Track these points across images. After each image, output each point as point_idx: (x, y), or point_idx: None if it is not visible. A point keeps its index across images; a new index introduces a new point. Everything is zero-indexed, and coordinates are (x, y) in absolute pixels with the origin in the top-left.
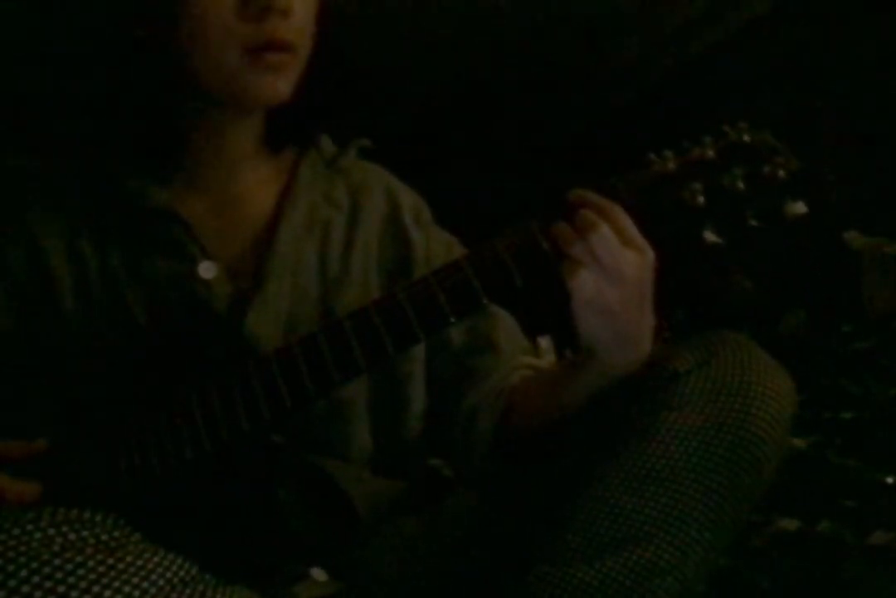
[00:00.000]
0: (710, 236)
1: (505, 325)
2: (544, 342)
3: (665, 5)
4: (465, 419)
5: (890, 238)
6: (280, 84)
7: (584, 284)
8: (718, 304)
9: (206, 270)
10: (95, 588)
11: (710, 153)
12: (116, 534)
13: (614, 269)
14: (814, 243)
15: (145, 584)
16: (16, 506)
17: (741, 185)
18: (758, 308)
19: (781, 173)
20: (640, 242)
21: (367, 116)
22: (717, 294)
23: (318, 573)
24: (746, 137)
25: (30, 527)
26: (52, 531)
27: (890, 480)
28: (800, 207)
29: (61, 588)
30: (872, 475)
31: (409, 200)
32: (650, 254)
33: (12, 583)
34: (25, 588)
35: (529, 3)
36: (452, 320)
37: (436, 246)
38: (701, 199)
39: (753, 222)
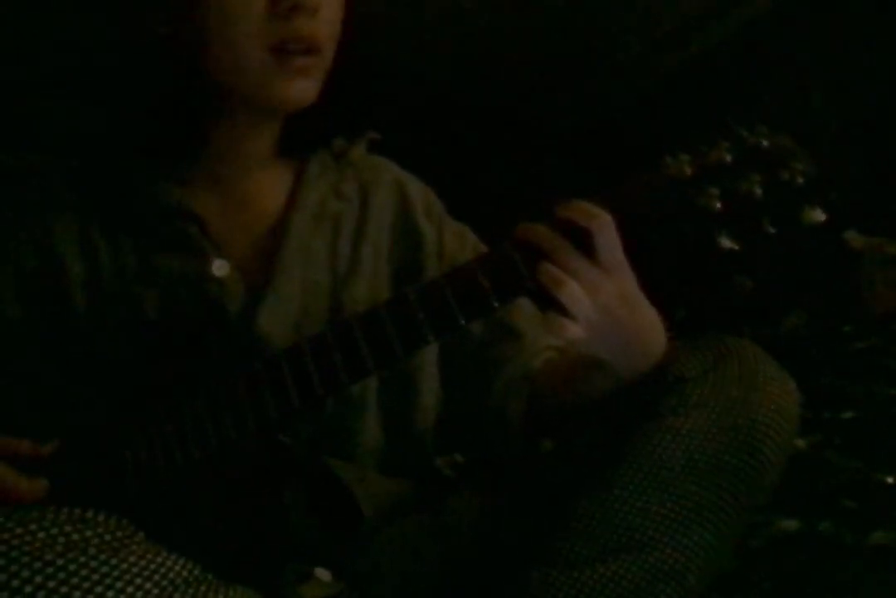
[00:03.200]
0: (725, 242)
1: (524, 309)
2: None
3: (665, 5)
4: (495, 405)
5: (890, 238)
6: (306, 88)
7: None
8: (719, 304)
9: (219, 268)
10: (98, 589)
11: (728, 158)
12: (119, 534)
13: (595, 304)
14: (813, 243)
15: (148, 584)
16: (21, 504)
17: (759, 191)
18: (758, 308)
19: (799, 180)
20: (611, 265)
21: (376, 112)
22: (718, 294)
23: (322, 573)
24: (765, 142)
25: (33, 527)
26: (55, 531)
27: (890, 480)
28: (818, 215)
29: (64, 589)
30: (872, 475)
31: (419, 192)
32: (624, 274)
33: (15, 583)
34: (28, 589)
35: (531, 3)
36: (462, 322)
37: (449, 239)
38: (717, 204)
39: (770, 229)
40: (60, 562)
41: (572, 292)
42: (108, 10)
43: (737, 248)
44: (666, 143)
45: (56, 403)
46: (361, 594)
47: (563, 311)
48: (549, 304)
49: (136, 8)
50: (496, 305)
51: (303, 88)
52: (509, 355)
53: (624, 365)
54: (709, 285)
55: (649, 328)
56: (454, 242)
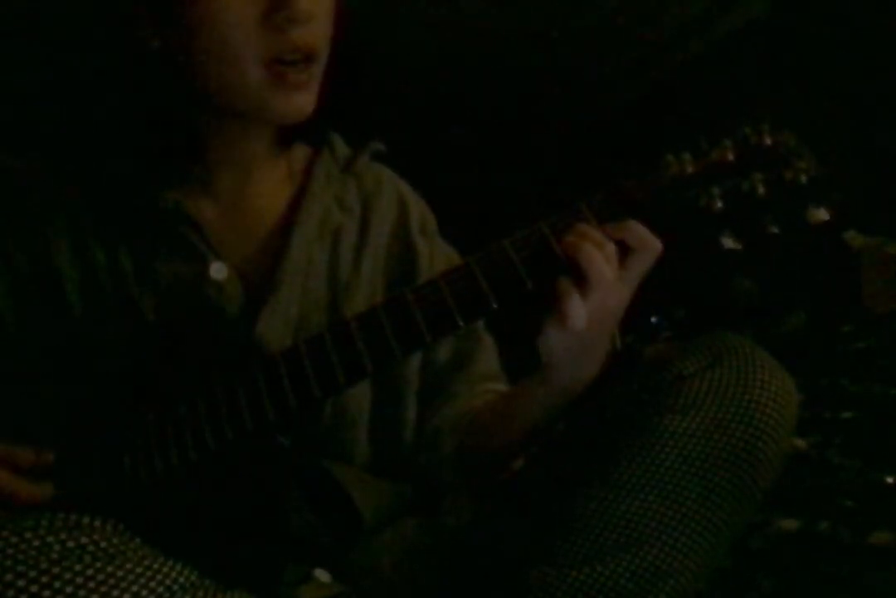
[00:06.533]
0: (727, 242)
1: (486, 351)
2: None
3: (665, 5)
4: (428, 441)
5: (890, 238)
6: (303, 102)
7: (578, 303)
8: (719, 304)
9: (217, 271)
10: (95, 596)
11: (730, 157)
12: (115, 541)
13: (608, 290)
14: (814, 243)
15: (144, 591)
16: (18, 510)
17: (761, 190)
18: (759, 308)
19: (803, 178)
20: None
21: (376, 117)
22: (718, 294)
23: (322, 574)
24: (767, 140)
25: (28, 535)
26: (50, 539)
27: (890, 480)
28: (822, 214)
29: (60, 597)
30: (872, 475)
31: (417, 208)
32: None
33: (10, 593)
34: None
35: (532, 5)
36: (461, 323)
37: (438, 258)
38: (719, 204)
39: (773, 229)
40: (56, 570)
41: (600, 265)
42: (101, 22)
43: (739, 248)
44: (665, 143)
45: (54, 406)
46: (361, 595)
47: (582, 283)
48: (542, 308)
49: (127, 21)
50: (494, 305)
51: (300, 103)
52: (453, 393)
53: (571, 375)
54: (709, 285)
55: (605, 347)
56: (442, 264)
